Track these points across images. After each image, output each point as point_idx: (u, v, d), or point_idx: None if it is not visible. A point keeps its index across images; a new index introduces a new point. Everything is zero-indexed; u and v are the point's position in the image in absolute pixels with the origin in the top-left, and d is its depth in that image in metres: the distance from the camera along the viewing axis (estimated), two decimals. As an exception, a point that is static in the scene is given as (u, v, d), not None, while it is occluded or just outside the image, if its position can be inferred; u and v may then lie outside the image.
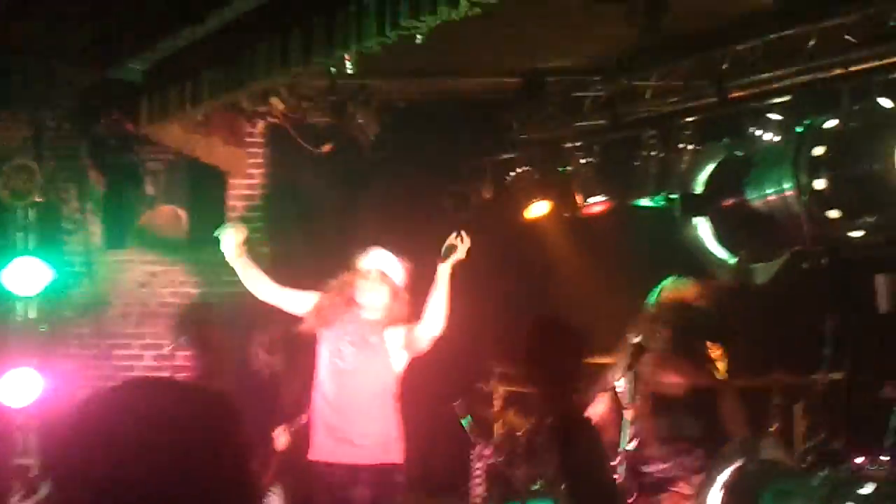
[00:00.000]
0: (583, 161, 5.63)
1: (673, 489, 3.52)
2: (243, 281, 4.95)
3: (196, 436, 1.60)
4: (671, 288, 4.62)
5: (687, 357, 3.63)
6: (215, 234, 4.91)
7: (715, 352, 4.30)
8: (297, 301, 4.84)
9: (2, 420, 5.24)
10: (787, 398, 4.69)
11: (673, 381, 3.62)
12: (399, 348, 4.63)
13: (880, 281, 4.06)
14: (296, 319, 4.86)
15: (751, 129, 4.06)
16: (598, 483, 1.70)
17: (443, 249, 4.63)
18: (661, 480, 3.53)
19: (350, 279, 4.69)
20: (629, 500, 3.40)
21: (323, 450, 4.59)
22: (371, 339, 4.61)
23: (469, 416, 5.58)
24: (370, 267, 4.67)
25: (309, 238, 6.53)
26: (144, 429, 1.56)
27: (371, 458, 4.53)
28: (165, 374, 6.03)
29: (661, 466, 3.58)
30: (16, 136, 6.17)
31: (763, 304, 5.16)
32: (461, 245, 4.60)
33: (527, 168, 5.86)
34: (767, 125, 4.01)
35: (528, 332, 1.78)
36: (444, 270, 4.61)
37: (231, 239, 4.81)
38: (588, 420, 1.85)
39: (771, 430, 4.69)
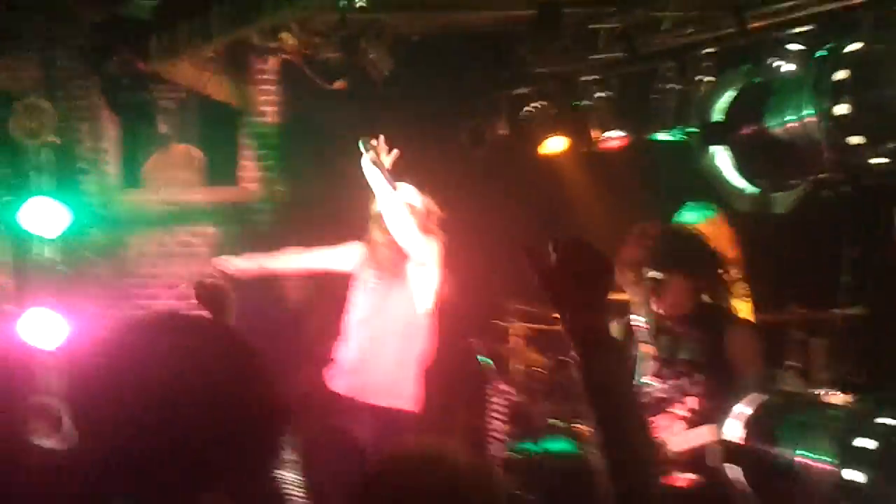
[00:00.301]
0: (599, 95, 5.54)
1: (668, 410, 3.51)
2: (273, 272, 4.95)
3: (220, 376, 1.60)
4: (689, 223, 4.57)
5: (686, 283, 3.54)
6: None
7: (735, 286, 4.25)
8: (334, 258, 4.82)
9: (24, 360, 5.28)
10: (807, 332, 4.66)
11: (675, 303, 3.55)
12: (424, 288, 4.56)
13: (902, 212, 4.01)
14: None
15: (770, 60, 3.97)
16: (622, 400, 1.62)
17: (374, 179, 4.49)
18: (657, 401, 3.51)
19: (378, 221, 4.60)
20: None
21: (338, 381, 4.60)
22: (397, 272, 4.54)
23: (486, 354, 5.61)
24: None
25: (324, 175, 6.50)
26: (168, 369, 1.57)
27: (379, 399, 4.50)
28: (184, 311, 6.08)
29: (658, 386, 3.54)
30: (27, 76, 6.14)
31: (782, 235, 5.12)
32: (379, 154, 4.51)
33: (542, 103, 5.77)
34: (788, 55, 3.92)
35: (561, 250, 1.65)
36: (384, 201, 4.47)
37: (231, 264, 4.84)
38: (614, 339, 1.75)
39: (790, 364, 4.68)
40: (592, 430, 1.62)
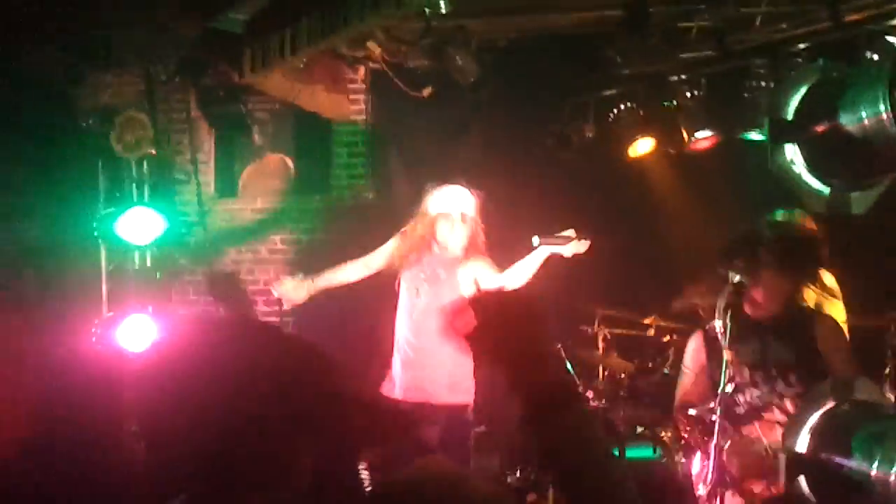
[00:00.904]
0: (688, 94, 5.41)
1: (766, 415, 3.37)
2: (333, 286, 4.93)
3: (287, 380, 1.60)
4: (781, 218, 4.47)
5: (782, 280, 3.43)
6: (275, 292, 5.02)
7: (824, 280, 4.08)
8: (379, 259, 4.85)
9: (120, 367, 5.47)
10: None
11: (761, 301, 3.44)
12: (471, 283, 4.57)
13: None
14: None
15: (867, 54, 3.79)
16: (594, 473, 1.38)
17: (555, 235, 4.57)
18: (753, 408, 3.39)
19: (427, 221, 4.63)
20: (725, 444, 3.29)
21: (399, 389, 4.63)
22: (442, 275, 4.57)
23: (571, 360, 5.53)
24: (448, 208, 4.59)
25: (413, 183, 6.53)
26: (235, 372, 1.58)
27: (440, 398, 4.52)
28: (276, 318, 6.20)
29: (753, 393, 3.43)
30: (128, 91, 6.38)
31: (865, 237, 4.87)
32: (572, 244, 4.56)
33: (630, 104, 5.66)
34: (883, 49, 3.73)
35: (481, 309, 1.44)
36: (541, 252, 4.58)
37: (293, 290, 4.87)
38: (577, 395, 1.50)
39: (886, 371, 4.46)
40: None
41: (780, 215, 4.63)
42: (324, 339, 1.75)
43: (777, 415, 3.37)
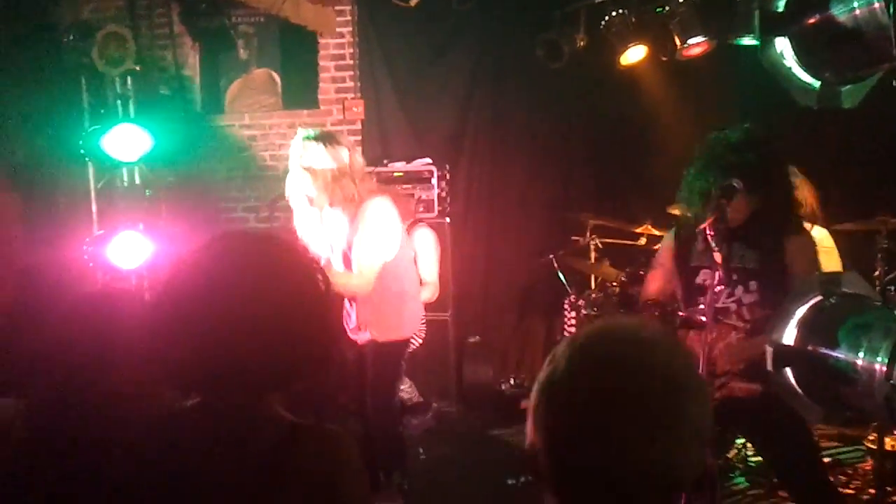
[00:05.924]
0: (680, 0, 5.30)
1: (725, 320, 3.39)
2: None
3: (287, 286, 1.67)
4: None
5: (753, 193, 3.39)
6: None
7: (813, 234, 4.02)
8: None
9: (115, 282, 5.47)
10: (893, 241, 4.44)
11: (737, 210, 3.41)
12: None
13: None
14: None
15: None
16: None
17: None
18: (715, 311, 3.38)
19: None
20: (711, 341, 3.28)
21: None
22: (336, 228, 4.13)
23: (563, 270, 5.56)
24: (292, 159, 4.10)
25: (401, 95, 6.46)
26: (235, 277, 1.65)
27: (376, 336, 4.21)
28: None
29: (717, 295, 3.41)
30: (108, 6, 6.25)
31: (857, 135, 4.84)
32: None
33: (621, 11, 5.54)
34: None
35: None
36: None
37: None
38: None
39: (875, 274, 4.48)
40: None
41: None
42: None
43: (734, 320, 3.38)
